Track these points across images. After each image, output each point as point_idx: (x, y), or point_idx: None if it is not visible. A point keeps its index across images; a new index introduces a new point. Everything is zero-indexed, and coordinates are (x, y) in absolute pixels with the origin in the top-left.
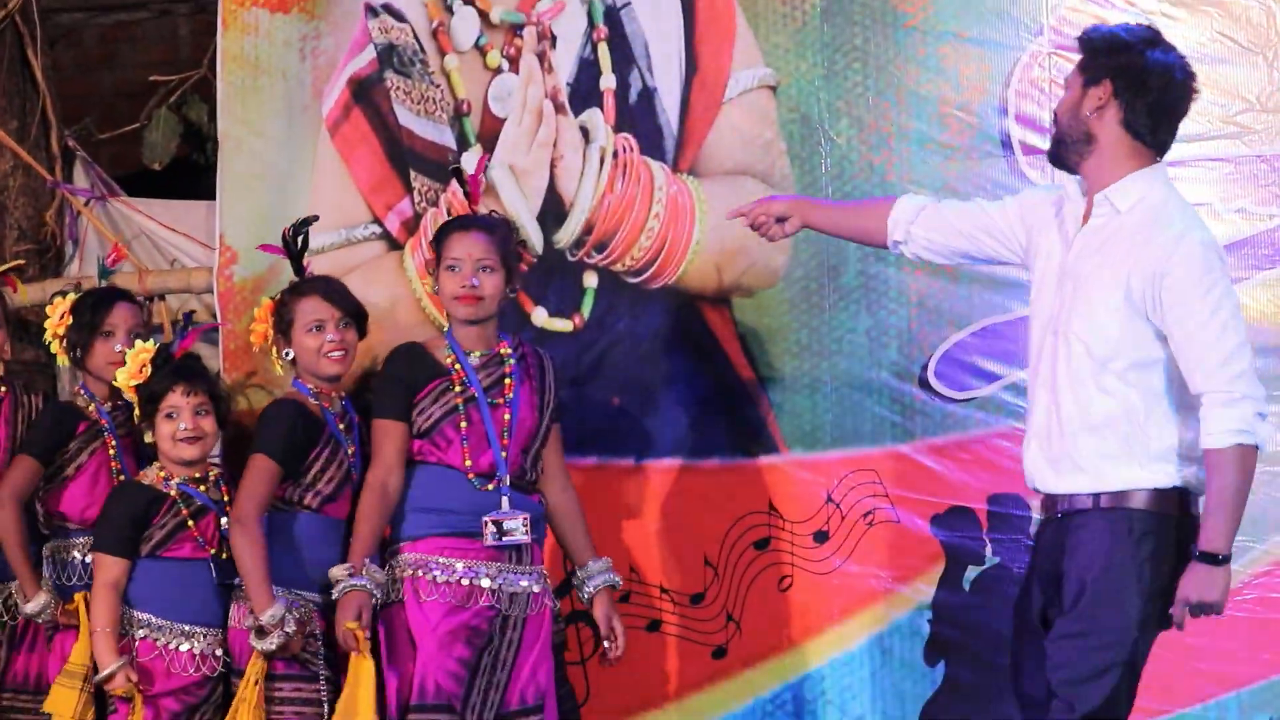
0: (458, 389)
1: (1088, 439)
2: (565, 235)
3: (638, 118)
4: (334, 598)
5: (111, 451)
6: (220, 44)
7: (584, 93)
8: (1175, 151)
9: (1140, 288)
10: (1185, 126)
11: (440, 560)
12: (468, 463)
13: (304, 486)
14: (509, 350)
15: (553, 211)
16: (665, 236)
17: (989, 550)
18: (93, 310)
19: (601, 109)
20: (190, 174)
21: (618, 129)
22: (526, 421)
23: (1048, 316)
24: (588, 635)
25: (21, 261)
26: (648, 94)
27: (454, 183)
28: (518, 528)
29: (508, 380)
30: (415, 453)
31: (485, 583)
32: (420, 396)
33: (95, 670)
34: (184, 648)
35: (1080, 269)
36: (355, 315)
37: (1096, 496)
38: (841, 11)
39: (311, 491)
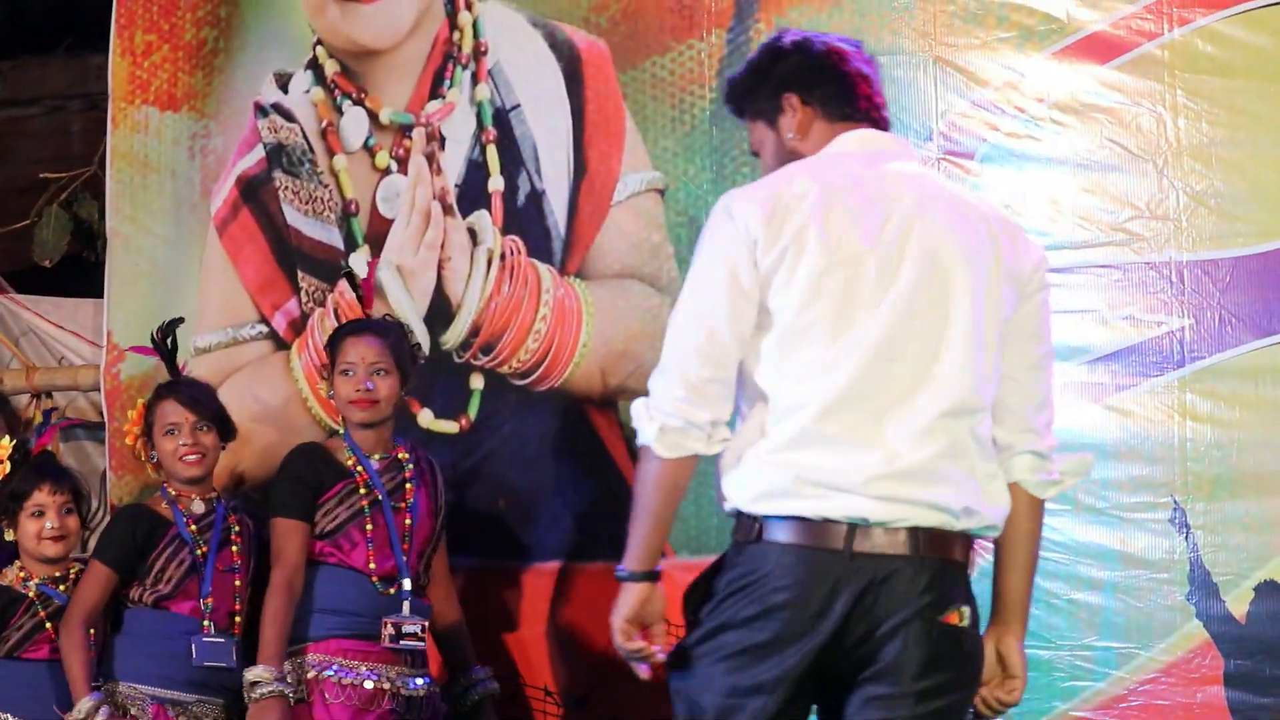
0: (362, 492)
1: None
2: (452, 337)
3: (526, 220)
4: (255, 697)
5: None
6: (110, 141)
7: (472, 194)
8: (1063, 258)
9: None
10: (1074, 233)
11: (344, 662)
12: (371, 565)
13: (145, 586)
14: (407, 455)
15: (440, 313)
16: (552, 339)
17: None
18: None
19: (490, 211)
20: (80, 271)
21: (505, 231)
22: (424, 526)
23: None
24: None
25: None
26: (536, 196)
27: (342, 283)
28: (416, 631)
29: (408, 485)
30: (316, 553)
31: (387, 685)
32: (325, 498)
33: None
34: None
35: None
36: (214, 419)
37: None
38: (731, 116)
39: (151, 590)
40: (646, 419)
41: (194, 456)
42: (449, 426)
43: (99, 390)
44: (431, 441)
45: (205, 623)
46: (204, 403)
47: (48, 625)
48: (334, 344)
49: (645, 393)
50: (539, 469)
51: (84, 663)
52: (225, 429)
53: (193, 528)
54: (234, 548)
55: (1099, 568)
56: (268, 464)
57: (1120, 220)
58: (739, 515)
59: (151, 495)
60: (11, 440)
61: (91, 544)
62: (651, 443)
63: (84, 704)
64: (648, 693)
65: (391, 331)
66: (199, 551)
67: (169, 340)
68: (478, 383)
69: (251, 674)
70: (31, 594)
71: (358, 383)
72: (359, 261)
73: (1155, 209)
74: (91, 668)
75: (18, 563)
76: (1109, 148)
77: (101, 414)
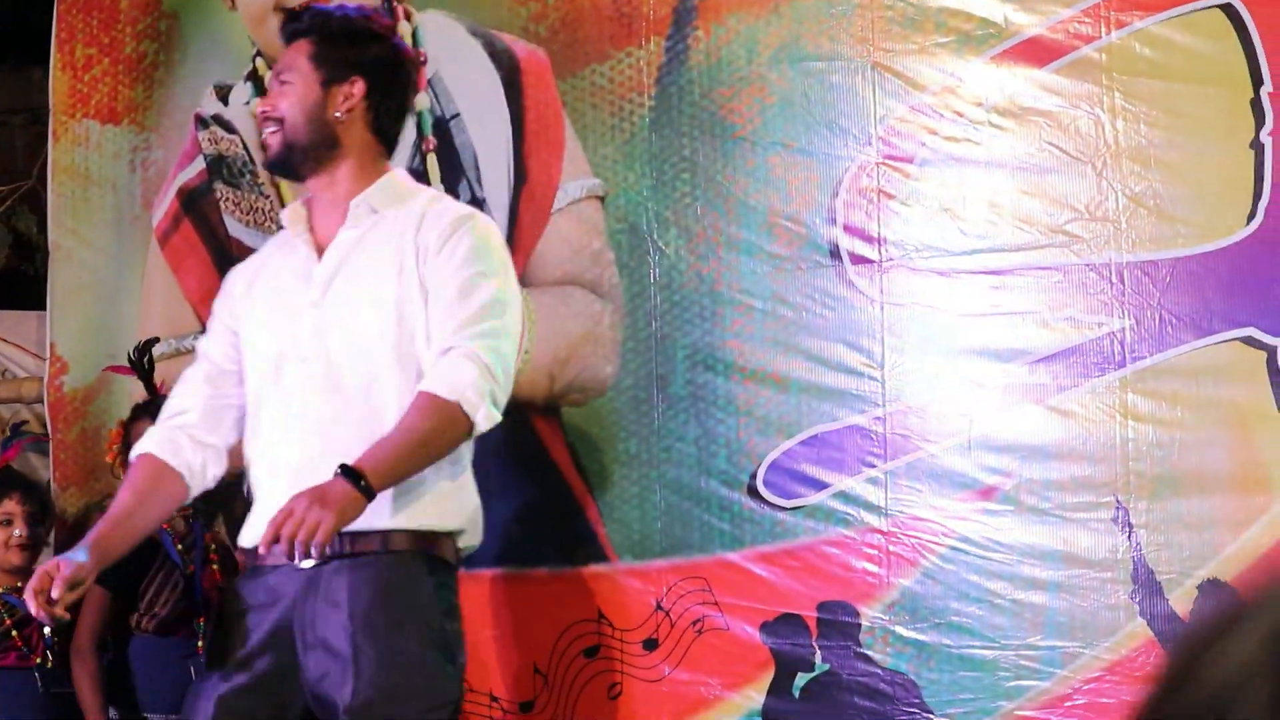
0: None
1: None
2: None
3: None
4: None
5: None
6: (51, 155)
7: None
8: (1004, 260)
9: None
10: (1014, 235)
11: None
12: None
13: (141, 611)
14: None
15: None
16: None
17: (819, 657)
18: None
19: None
20: (20, 284)
21: None
22: None
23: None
24: None
25: None
26: (477, 204)
27: None
28: None
29: None
30: None
31: None
32: None
33: None
34: None
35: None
36: None
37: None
38: (670, 123)
39: (149, 615)
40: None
41: None
42: None
43: (43, 403)
44: None
45: (200, 644)
46: None
47: (14, 634)
48: None
49: (587, 397)
50: (481, 474)
51: (96, 691)
52: None
53: (179, 546)
54: (214, 565)
55: (1043, 568)
56: None
57: (1060, 222)
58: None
59: (98, 510)
60: None
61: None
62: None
63: None
64: (595, 696)
65: None
66: (190, 571)
67: (145, 360)
68: None
69: None
70: None
71: None
72: None
73: (1095, 211)
74: (104, 696)
75: None
76: (1048, 150)
77: (45, 426)
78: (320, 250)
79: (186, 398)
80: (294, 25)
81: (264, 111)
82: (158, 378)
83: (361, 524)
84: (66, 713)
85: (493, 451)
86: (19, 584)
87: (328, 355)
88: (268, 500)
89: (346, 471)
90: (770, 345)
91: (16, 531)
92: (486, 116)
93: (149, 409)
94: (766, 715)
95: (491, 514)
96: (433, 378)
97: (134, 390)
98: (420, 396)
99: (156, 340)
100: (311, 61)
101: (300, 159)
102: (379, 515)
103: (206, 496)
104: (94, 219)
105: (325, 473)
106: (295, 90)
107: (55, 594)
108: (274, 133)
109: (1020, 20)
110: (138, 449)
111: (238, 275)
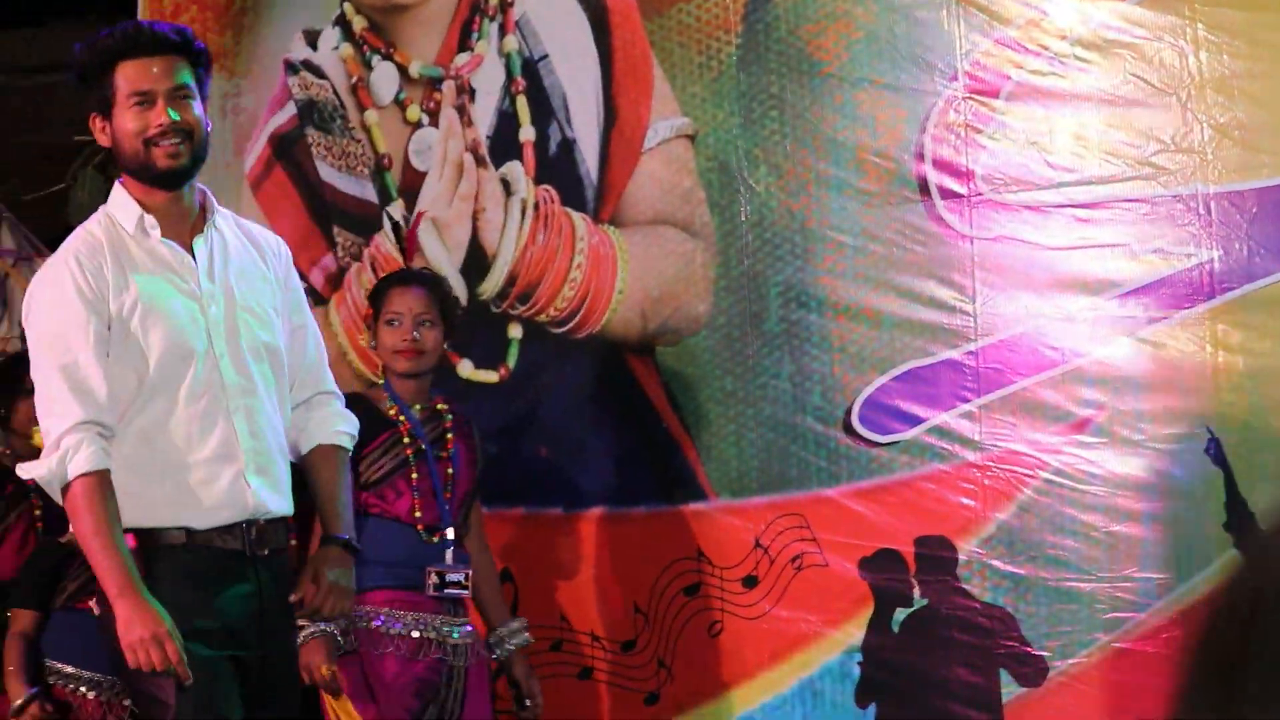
0: (406, 441)
1: (283, 461)
2: (489, 287)
3: (558, 169)
4: (300, 641)
5: (38, 512)
6: None
7: (504, 145)
8: (1091, 193)
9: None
10: (1101, 168)
11: (391, 613)
12: (417, 515)
13: None
14: (445, 406)
15: (476, 264)
16: (588, 286)
17: (917, 592)
18: (14, 370)
19: (522, 161)
20: None
21: (538, 181)
22: (465, 477)
23: (199, 347)
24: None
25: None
26: (567, 145)
27: (377, 237)
28: (460, 579)
29: (449, 435)
30: (360, 504)
31: (432, 634)
32: (369, 449)
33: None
34: (92, 694)
35: (229, 284)
36: None
37: None
38: (758, 60)
39: None
40: None
41: None
42: (488, 376)
43: None
44: (471, 391)
45: None
46: None
47: None
48: (379, 294)
49: (682, 336)
50: (579, 415)
51: None
52: None
53: None
54: None
55: (1136, 499)
56: None
57: (1146, 154)
58: None
59: None
60: None
61: None
62: None
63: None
64: (695, 634)
65: (437, 283)
66: None
67: None
68: (516, 331)
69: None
70: None
71: (404, 333)
72: (391, 213)
73: (1180, 142)
74: None
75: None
76: (1133, 83)
77: None
78: (188, 249)
79: (93, 403)
80: (170, 39)
81: (174, 124)
82: None
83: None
84: None
85: (590, 393)
86: None
87: (234, 328)
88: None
89: (347, 545)
90: (862, 281)
91: None
92: (575, 57)
93: None
94: (866, 650)
95: (590, 454)
96: (331, 428)
97: None
98: (338, 452)
99: None
100: (194, 77)
101: (194, 171)
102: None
103: None
104: None
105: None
106: (196, 104)
107: (181, 671)
108: (183, 144)
109: None
110: (74, 470)
111: (95, 260)
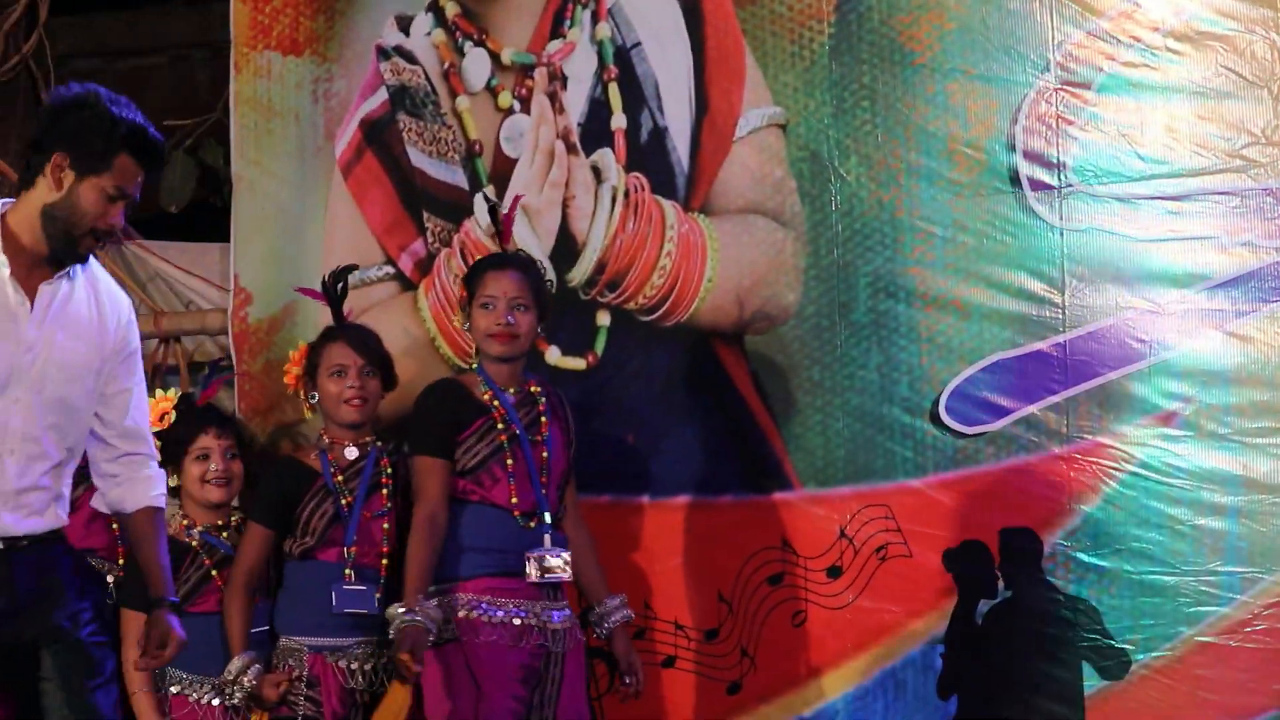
0: (500, 426)
1: (49, 497)
2: (578, 274)
3: (649, 157)
4: (390, 634)
5: None
6: (233, 87)
7: (595, 133)
8: (1181, 185)
9: (110, 355)
10: (1191, 160)
11: (492, 600)
12: (514, 500)
13: (295, 538)
14: (538, 389)
15: (565, 251)
16: (677, 274)
17: (1001, 584)
18: None
19: (613, 148)
20: (207, 216)
21: (629, 168)
22: (559, 459)
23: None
24: (602, 670)
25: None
26: (659, 133)
27: (467, 223)
28: (559, 564)
29: (543, 418)
30: (458, 491)
31: (534, 621)
32: (465, 434)
33: None
34: (215, 701)
35: (53, 336)
36: (380, 365)
37: None
38: (850, 50)
39: (299, 543)
40: None
41: (358, 401)
42: (576, 363)
43: (227, 334)
44: (559, 378)
45: (347, 571)
46: (373, 348)
47: (214, 575)
48: (474, 277)
49: (771, 325)
50: (666, 403)
51: (242, 625)
52: (389, 377)
53: (339, 478)
54: (384, 491)
55: (1222, 493)
56: (397, 403)
57: (1237, 147)
58: None
59: (285, 438)
60: (177, 392)
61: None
62: None
63: (234, 663)
64: (779, 624)
65: (532, 267)
66: (344, 501)
67: (340, 286)
68: (604, 319)
69: (389, 613)
70: (195, 543)
71: (499, 316)
72: (481, 199)
73: (1271, 135)
74: (248, 629)
75: (180, 511)
76: (1224, 75)
77: (229, 357)
78: (30, 294)
79: None
80: (160, 162)
81: (116, 229)
82: (348, 308)
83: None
84: (260, 650)
85: (677, 380)
86: (219, 521)
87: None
88: None
89: (172, 605)
90: (951, 272)
91: (214, 466)
92: (667, 45)
93: (342, 333)
94: (949, 642)
95: (677, 442)
96: (151, 492)
97: (319, 319)
98: (158, 514)
99: (355, 268)
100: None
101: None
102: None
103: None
104: (277, 150)
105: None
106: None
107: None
108: (101, 245)
109: None
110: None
111: None
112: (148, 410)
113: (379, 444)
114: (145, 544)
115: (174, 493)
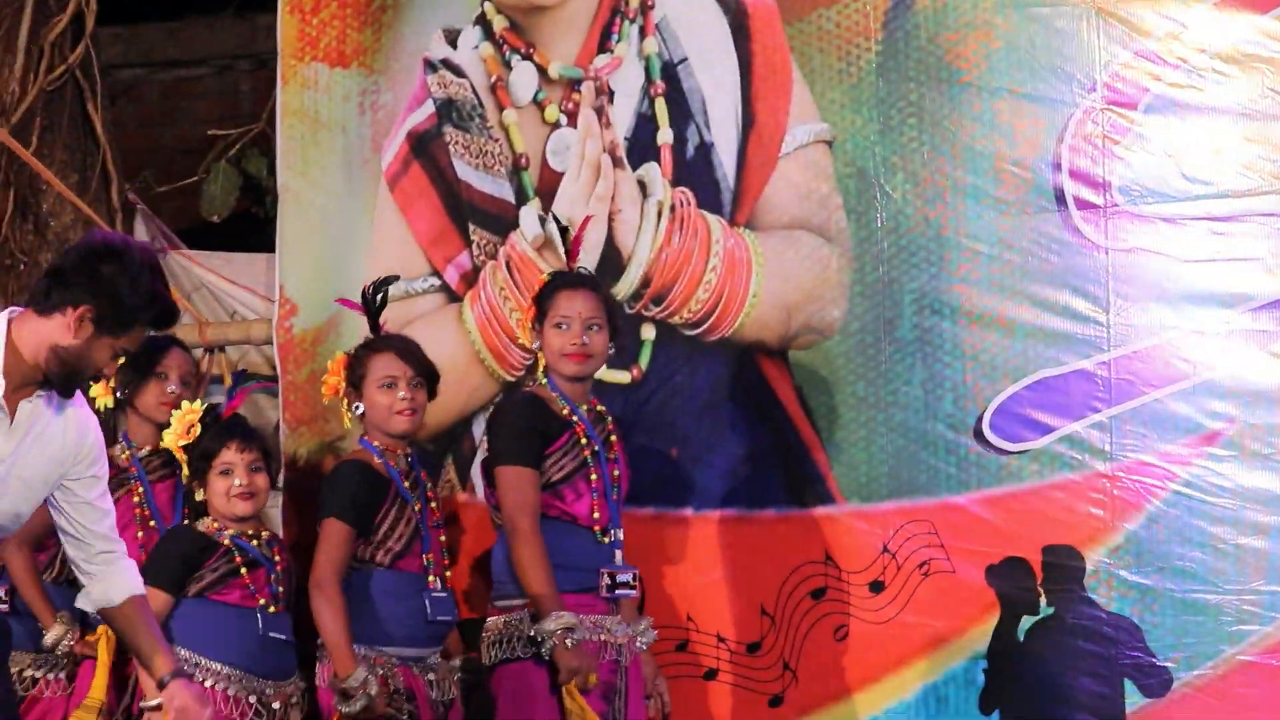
0: (584, 442)
1: None
2: (623, 288)
3: (695, 172)
4: (569, 644)
5: (137, 499)
6: (280, 98)
7: (641, 147)
8: (1227, 206)
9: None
10: (1236, 181)
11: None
12: (595, 515)
13: (374, 544)
14: (602, 408)
15: (611, 264)
16: (722, 289)
17: (1044, 601)
18: (148, 354)
19: (659, 163)
20: (250, 227)
21: (675, 183)
22: (625, 477)
23: None
24: None
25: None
26: (705, 149)
27: (513, 236)
28: (629, 580)
29: (613, 437)
30: (540, 507)
31: (608, 636)
32: (553, 448)
33: (117, 704)
34: (219, 687)
35: (23, 450)
36: (427, 375)
37: None
38: (896, 68)
39: (382, 549)
40: None
41: (410, 412)
42: (621, 376)
43: (271, 344)
44: (603, 391)
45: (431, 578)
46: (420, 358)
47: (243, 572)
48: (547, 296)
49: (815, 340)
50: (710, 417)
51: (347, 628)
52: (434, 387)
53: (406, 484)
54: (433, 504)
55: (1265, 512)
56: (440, 415)
57: None
58: None
59: (329, 449)
60: (202, 404)
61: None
62: None
63: (358, 673)
64: (821, 638)
65: (601, 286)
66: (416, 507)
67: (380, 297)
68: (649, 333)
69: (561, 621)
70: (226, 542)
71: (573, 337)
72: (527, 214)
73: None
74: (350, 632)
75: (212, 519)
76: (1270, 97)
77: (274, 368)
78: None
79: None
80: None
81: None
82: (384, 318)
83: None
84: (279, 659)
85: (722, 394)
86: (249, 530)
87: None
88: None
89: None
90: (996, 290)
91: (237, 481)
92: (714, 61)
93: (392, 343)
94: (991, 657)
95: (721, 455)
96: (134, 581)
97: (364, 330)
98: (141, 599)
99: (396, 279)
100: None
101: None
102: None
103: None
104: (323, 162)
105: None
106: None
107: None
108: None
109: None
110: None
111: None
112: (114, 513)
113: (411, 455)
114: (141, 629)
115: (203, 507)
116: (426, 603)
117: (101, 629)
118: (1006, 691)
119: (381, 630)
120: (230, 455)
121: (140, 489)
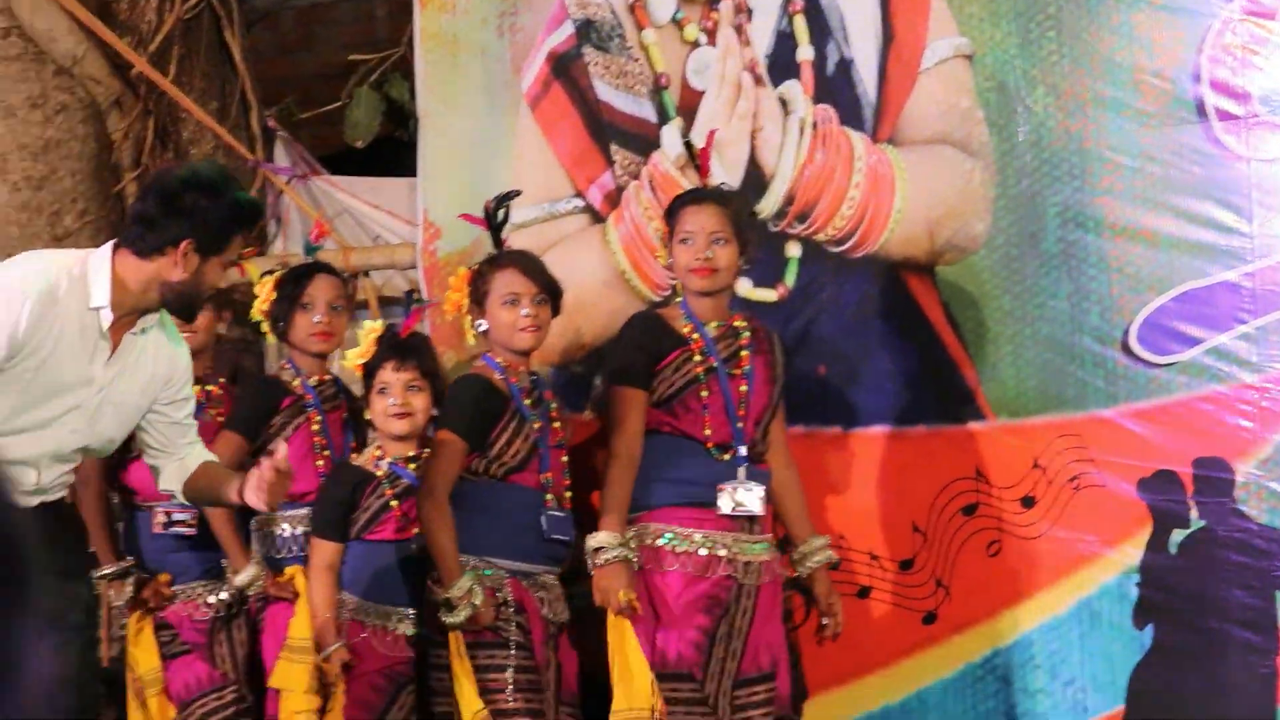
0: (698, 359)
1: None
2: (767, 206)
3: (836, 88)
4: (600, 563)
5: (315, 427)
6: (418, 23)
7: (782, 65)
8: None
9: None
10: None
11: (680, 530)
12: (707, 432)
13: (490, 459)
14: (743, 323)
15: (753, 183)
16: (866, 206)
17: (1194, 513)
18: (293, 284)
19: (800, 80)
20: (392, 151)
21: (816, 100)
22: (761, 394)
23: (57, 414)
24: (798, 602)
25: (255, 249)
26: (845, 65)
27: (655, 155)
28: (752, 498)
29: (744, 353)
30: (652, 422)
31: (723, 552)
32: (662, 365)
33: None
34: (389, 627)
35: (116, 378)
36: (551, 292)
37: None
38: None
39: (498, 463)
40: None
41: (534, 328)
42: (767, 295)
43: (415, 268)
44: (750, 310)
45: (548, 496)
46: (544, 274)
47: (393, 505)
48: (673, 213)
49: (960, 255)
50: (858, 334)
51: (454, 539)
52: (557, 304)
53: (526, 401)
54: (556, 424)
55: None
56: (587, 335)
57: None
58: None
59: (472, 365)
60: (383, 324)
61: None
62: None
63: (463, 582)
64: (973, 554)
65: (731, 200)
66: (535, 425)
67: (501, 211)
68: (794, 250)
69: (595, 540)
70: (381, 473)
71: (697, 251)
72: (669, 132)
73: None
74: (457, 542)
75: (376, 442)
76: None
77: (418, 291)
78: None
79: None
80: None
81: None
82: (529, 242)
83: None
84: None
85: (868, 311)
86: (410, 453)
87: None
88: None
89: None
90: (1139, 202)
91: (392, 400)
92: None
93: (516, 260)
94: (1144, 571)
95: (868, 373)
96: (206, 455)
97: None
98: (214, 462)
99: (518, 193)
100: None
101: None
102: None
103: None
104: (463, 85)
105: None
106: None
107: None
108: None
109: None
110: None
111: (42, 314)
112: (196, 425)
113: (535, 374)
114: (216, 473)
115: (371, 425)
116: (542, 520)
117: (290, 570)
118: (1160, 605)
119: (492, 542)
120: (387, 374)
121: (318, 418)
